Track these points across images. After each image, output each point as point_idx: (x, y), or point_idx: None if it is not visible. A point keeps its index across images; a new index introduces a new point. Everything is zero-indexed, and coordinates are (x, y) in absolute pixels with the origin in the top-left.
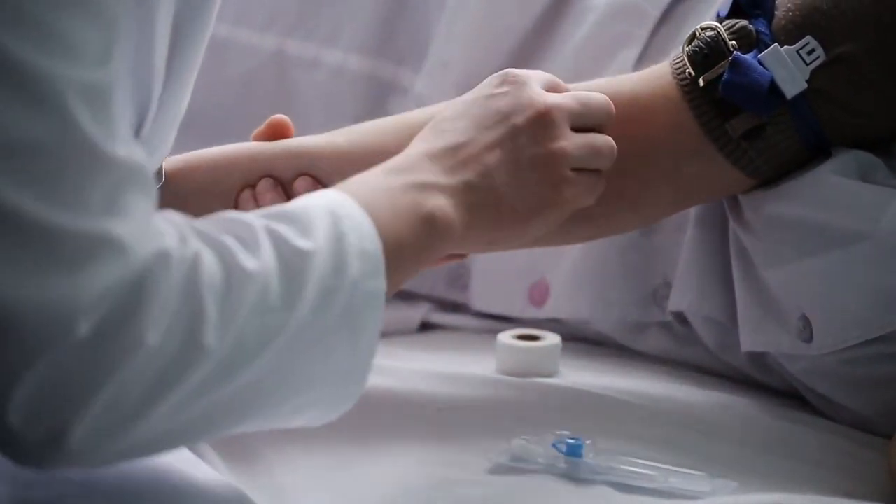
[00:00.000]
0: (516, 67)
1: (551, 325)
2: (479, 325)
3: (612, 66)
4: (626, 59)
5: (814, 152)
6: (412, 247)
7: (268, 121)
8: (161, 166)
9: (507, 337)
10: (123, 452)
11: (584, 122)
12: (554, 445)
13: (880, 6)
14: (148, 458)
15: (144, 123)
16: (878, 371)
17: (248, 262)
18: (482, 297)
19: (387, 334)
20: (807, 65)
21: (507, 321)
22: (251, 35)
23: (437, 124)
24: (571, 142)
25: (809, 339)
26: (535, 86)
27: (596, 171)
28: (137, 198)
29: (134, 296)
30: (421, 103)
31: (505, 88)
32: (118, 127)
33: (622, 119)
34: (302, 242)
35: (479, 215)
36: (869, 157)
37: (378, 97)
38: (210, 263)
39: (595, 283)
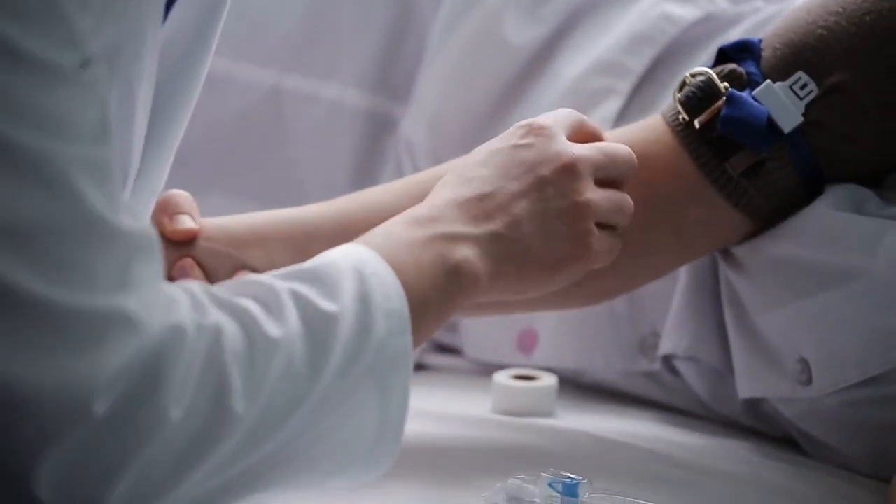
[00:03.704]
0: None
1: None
2: (474, 367)
3: (593, 118)
4: (606, 112)
5: (811, 189)
6: (437, 300)
7: None
8: None
9: (503, 377)
10: None
11: (608, 174)
12: (550, 485)
13: (868, 35)
14: None
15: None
16: (878, 415)
17: (272, 329)
18: (472, 344)
19: None
20: (801, 99)
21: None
22: (250, 70)
23: (462, 171)
24: (597, 195)
25: (808, 382)
26: (561, 136)
27: (614, 229)
28: (146, 268)
29: (151, 372)
30: (407, 141)
31: (530, 139)
32: (119, 199)
33: None
34: (327, 305)
35: (505, 266)
36: (860, 189)
37: (374, 132)
38: (232, 332)
39: (582, 332)
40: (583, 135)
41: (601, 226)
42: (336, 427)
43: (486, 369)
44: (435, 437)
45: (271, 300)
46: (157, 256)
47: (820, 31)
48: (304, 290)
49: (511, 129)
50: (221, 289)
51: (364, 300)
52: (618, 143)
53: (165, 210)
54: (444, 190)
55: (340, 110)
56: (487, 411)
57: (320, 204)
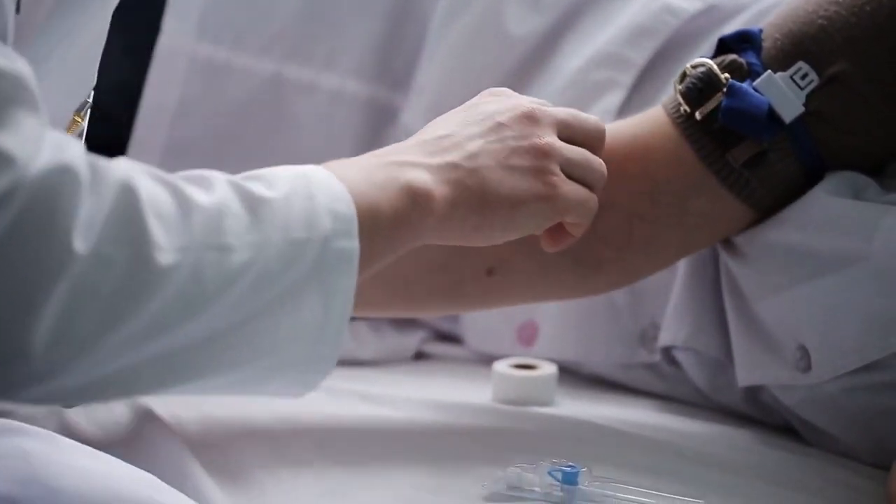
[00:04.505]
0: None
1: None
2: (474, 356)
3: (594, 110)
4: (608, 104)
5: (812, 179)
6: (389, 215)
7: None
8: (86, 107)
9: (503, 366)
10: (90, 383)
11: (573, 134)
12: (550, 473)
13: (869, 24)
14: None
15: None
16: (877, 402)
17: (200, 195)
18: (473, 336)
19: (382, 362)
20: (801, 89)
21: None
22: (249, 59)
23: (424, 129)
24: (560, 143)
25: (807, 369)
26: (520, 96)
27: (587, 188)
28: (21, 111)
29: (38, 205)
30: (407, 131)
31: (489, 98)
32: None
33: (622, 160)
34: (265, 191)
35: (462, 195)
36: (860, 176)
37: (375, 121)
38: (154, 191)
39: (582, 325)
40: None
41: (572, 179)
42: (276, 319)
43: (487, 358)
44: (435, 426)
45: (202, 179)
46: (36, 101)
47: (820, 20)
48: (242, 181)
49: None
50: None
51: (307, 198)
52: (619, 135)
53: None
54: (404, 140)
55: (341, 100)
56: (488, 400)
57: None
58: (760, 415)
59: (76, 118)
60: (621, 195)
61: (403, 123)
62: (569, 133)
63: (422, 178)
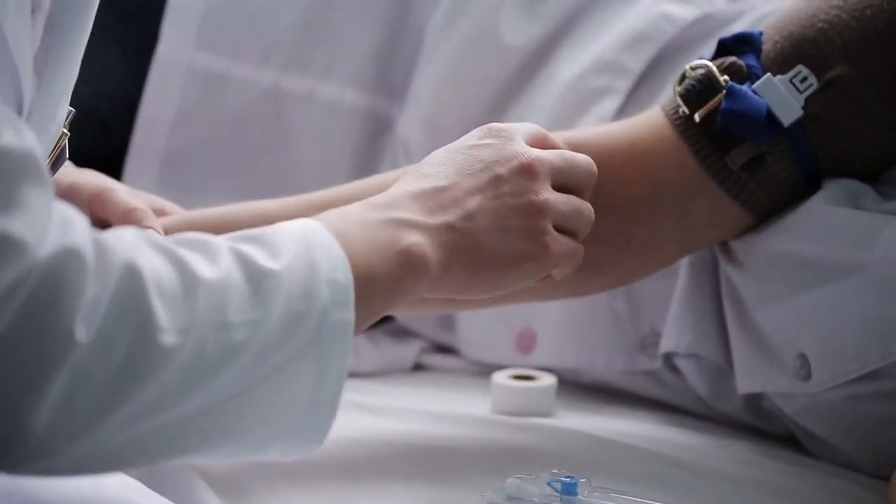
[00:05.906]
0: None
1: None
2: (473, 367)
3: (591, 116)
4: (605, 110)
5: (810, 183)
6: (385, 281)
7: None
8: (69, 116)
9: (502, 377)
10: (88, 459)
11: (567, 180)
12: (549, 484)
13: (869, 29)
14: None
15: (21, 113)
16: (877, 410)
17: (205, 270)
18: (470, 344)
19: (381, 373)
20: (800, 92)
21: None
22: (247, 70)
23: (419, 168)
24: (554, 196)
25: (807, 377)
26: (520, 139)
27: (575, 236)
28: (32, 189)
29: (44, 293)
30: (403, 141)
31: (488, 140)
32: None
33: (621, 163)
34: (268, 262)
35: (456, 257)
36: (857, 184)
37: (373, 132)
38: (158, 268)
39: (582, 331)
40: (544, 147)
41: (561, 231)
42: (273, 391)
43: (486, 370)
44: (434, 437)
45: (206, 250)
46: (44, 176)
47: (820, 24)
48: (245, 247)
49: (471, 132)
50: (158, 237)
51: (309, 266)
52: (618, 137)
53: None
54: (400, 184)
55: (338, 110)
56: (487, 411)
57: (287, 198)
58: (761, 423)
59: (63, 130)
60: (620, 198)
61: (399, 133)
62: (562, 178)
63: (419, 242)
